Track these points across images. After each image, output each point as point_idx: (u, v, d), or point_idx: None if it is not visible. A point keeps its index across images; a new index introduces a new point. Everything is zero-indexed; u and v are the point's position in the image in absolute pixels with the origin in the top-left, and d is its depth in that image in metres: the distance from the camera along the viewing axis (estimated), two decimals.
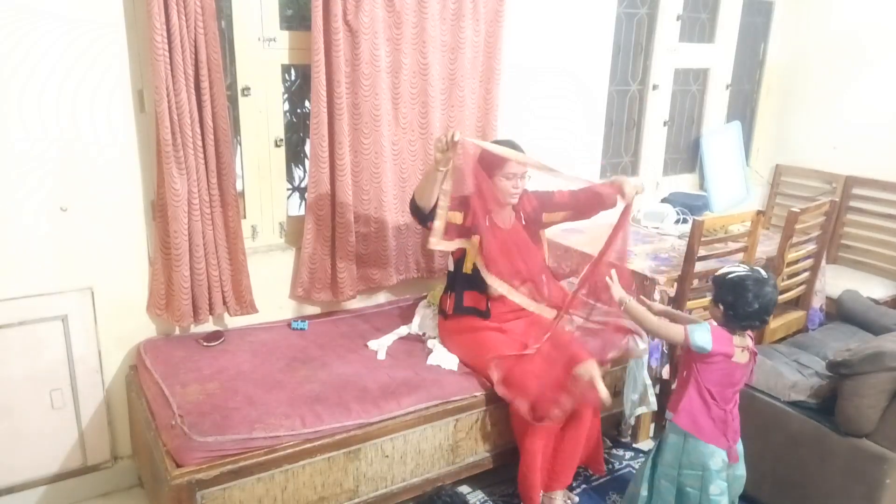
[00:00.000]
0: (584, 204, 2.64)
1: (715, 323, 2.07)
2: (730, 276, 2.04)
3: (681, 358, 2.20)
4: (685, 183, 4.19)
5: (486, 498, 2.59)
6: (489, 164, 2.52)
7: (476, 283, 2.55)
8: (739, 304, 2.00)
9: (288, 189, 2.87)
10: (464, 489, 2.60)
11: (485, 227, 2.48)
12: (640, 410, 2.77)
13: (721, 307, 2.04)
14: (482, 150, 2.60)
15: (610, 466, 2.77)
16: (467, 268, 2.56)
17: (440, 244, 2.49)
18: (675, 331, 2.08)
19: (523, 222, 2.63)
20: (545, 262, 2.70)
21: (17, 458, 2.36)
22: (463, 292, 2.58)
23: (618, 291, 2.22)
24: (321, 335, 2.67)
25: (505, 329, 2.56)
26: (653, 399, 2.72)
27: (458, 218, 2.52)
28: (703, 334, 2.01)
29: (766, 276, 2.03)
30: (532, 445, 2.35)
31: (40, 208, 2.25)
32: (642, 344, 2.71)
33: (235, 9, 2.48)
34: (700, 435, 2.06)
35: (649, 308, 2.25)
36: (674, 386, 2.25)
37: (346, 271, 2.78)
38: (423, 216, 2.48)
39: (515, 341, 2.50)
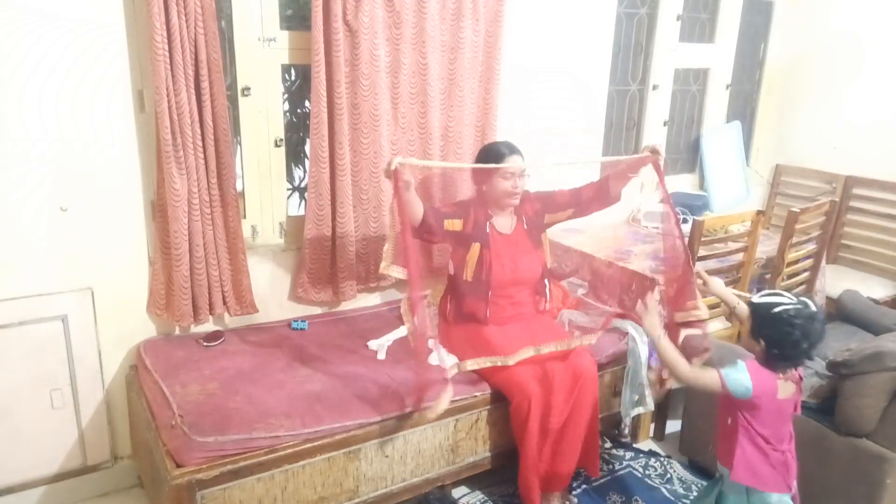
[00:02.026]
0: (585, 201, 2.60)
1: (751, 357, 1.87)
2: (775, 309, 1.78)
3: (721, 403, 1.95)
4: (685, 183, 4.19)
5: (485, 498, 2.59)
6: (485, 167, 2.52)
7: (476, 290, 2.53)
8: (786, 344, 1.77)
9: (288, 189, 2.87)
10: (463, 489, 2.60)
11: (486, 234, 2.49)
12: (637, 411, 2.76)
13: (763, 343, 1.81)
14: (478, 153, 2.62)
15: (610, 467, 2.77)
16: (468, 275, 2.53)
17: (391, 269, 2.43)
18: (710, 378, 1.82)
19: (525, 226, 2.60)
20: (547, 267, 2.69)
21: (17, 458, 2.37)
22: (463, 299, 2.56)
23: (651, 325, 1.97)
24: (321, 335, 2.67)
25: (504, 330, 2.54)
26: (650, 400, 2.72)
27: (457, 225, 2.50)
28: (741, 376, 1.78)
29: (816, 310, 1.79)
30: (530, 446, 2.35)
31: (40, 208, 2.25)
32: (642, 343, 2.71)
33: (235, 9, 2.48)
34: (762, 486, 1.88)
35: (706, 283, 2.11)
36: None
37: (346, 271, 2.78)
38: (422, 230, 2.43)
39: (515, 340, 2.49)
